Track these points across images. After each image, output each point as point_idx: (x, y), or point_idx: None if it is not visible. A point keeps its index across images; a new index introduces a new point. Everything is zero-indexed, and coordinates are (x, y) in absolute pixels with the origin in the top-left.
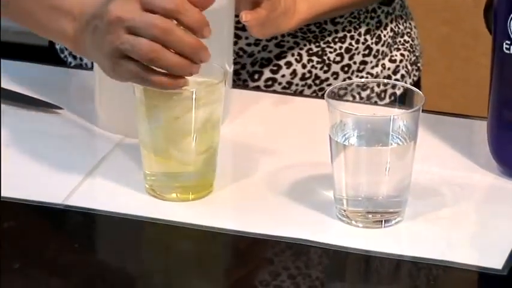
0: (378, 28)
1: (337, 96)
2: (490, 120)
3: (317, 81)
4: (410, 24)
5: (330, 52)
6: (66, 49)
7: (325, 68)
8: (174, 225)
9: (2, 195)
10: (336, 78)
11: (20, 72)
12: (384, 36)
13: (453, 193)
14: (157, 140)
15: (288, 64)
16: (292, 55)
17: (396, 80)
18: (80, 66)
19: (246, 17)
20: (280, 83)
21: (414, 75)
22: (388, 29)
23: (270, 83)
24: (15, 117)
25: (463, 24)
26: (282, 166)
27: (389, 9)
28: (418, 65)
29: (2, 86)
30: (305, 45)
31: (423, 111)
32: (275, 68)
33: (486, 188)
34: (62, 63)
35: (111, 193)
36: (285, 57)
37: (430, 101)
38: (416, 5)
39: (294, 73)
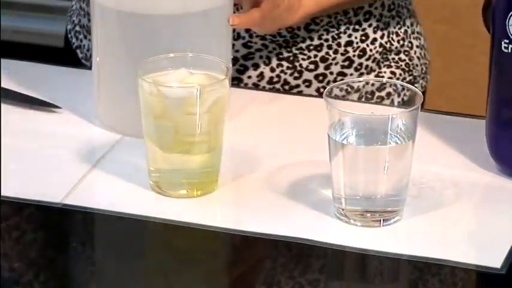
0: (363, 41)
1: (334, 95)
2: (488, 119)
3: (286, 87)
4: (410, 43)
5: (303, 59)
6: (73, 29)
7: (296, 75)
8: (173, 224)
9: (0, 194)
10: (308, 86)
11: (18, 71)
12: (371, 50)
13: (451, 192)
14: (163, 136)
15: (255, 66)
16: (260, 57)
17: (381, 97)
18: (77, 61)
19: (233, 20)
20: (246, 84)
21: (405, 95)
22: (377, 44)
23: (235, 82)
24: (14, 116)
25: (461, 23)
26: (281, 165)
27: (379, 24)
28: (416, 85)
29: (0, 85)
30: (274, 49)
31: (421, 110)
32: (241, 68)
33: (484, 186)
34: (68, 43)
35: (110, 192)
36: (252, 58)
37: (427, 100)
38: (414, 4)
39: (261, 75)
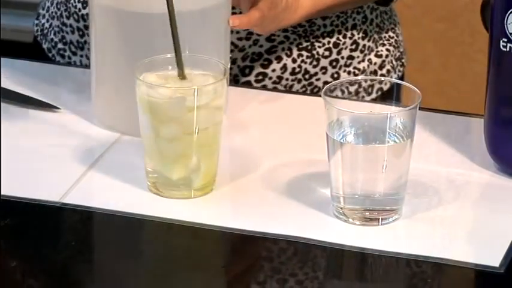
0: (363, 23)
1: (329, 91)
2: (486, 118)
3: (306, 76)
4: (394, 20)
5: (319, 47)
6: (54, 48)
7: (314, 63)
8: (171, 223)
9: (0, 193)
10: (324, 73)
11: (17, 70)
12: (370, 31)
13: (450, 191)
14: (160, 136)
15: (279, 59)
16: (283, 49)
17: (382, 75)
18: (69, 64)
19: (233, 22)
20: (270, 78)
21: (399, 71)
22: (374, 24)
23: (260, 77)
24: (12, 116)
25: (459, 21)
26: (279, 164)
27: (374, 5)
28: (403, 60)
29: (0, 85)
30: (295, 39)
31: (419, 108)
32: (266, 62)
33: (483, 185)
34: (37, 43)
35: (109, 191)
36: (275, 51)
37: (426, 98)
38: (413, 2)
39: (284, 68)
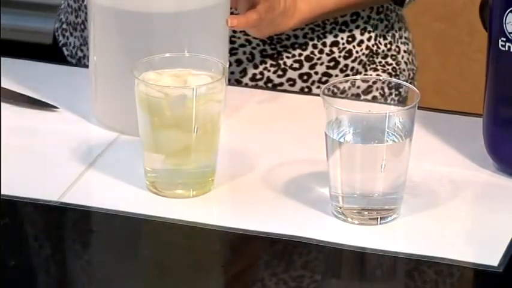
0: (349, 42)
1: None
2: (485, 117)
3: (269, 84)
4: (397, 47)
5: (287, 57)
6: (60, 27)
7: (280, 73)
8: (172, 223)
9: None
10: (292, 85)
11: (17, 70)
12: (357, 52)
13: (449, 190)
14: (159, 136)
15: (238, 62)
16: (244, 53)
17: (365, 100)
18: (79, 62)
19: (231, 22)
20: (228, 80)
21: (392, 100)
22: (363, 46)
23: None
24: (11, 115)
25: (458, 20)
26: (278, 163)
27: (367, 26)
28: (400, 90)
29: (0, 84)
30: (258, 45)
31: (418, 108)
32: None
33: (482, 184)
34: (55, 43)
35: (107, 190)
36: (235, 54)
37: (425, 98)
38: (410, 8)
39: (244, 72)
